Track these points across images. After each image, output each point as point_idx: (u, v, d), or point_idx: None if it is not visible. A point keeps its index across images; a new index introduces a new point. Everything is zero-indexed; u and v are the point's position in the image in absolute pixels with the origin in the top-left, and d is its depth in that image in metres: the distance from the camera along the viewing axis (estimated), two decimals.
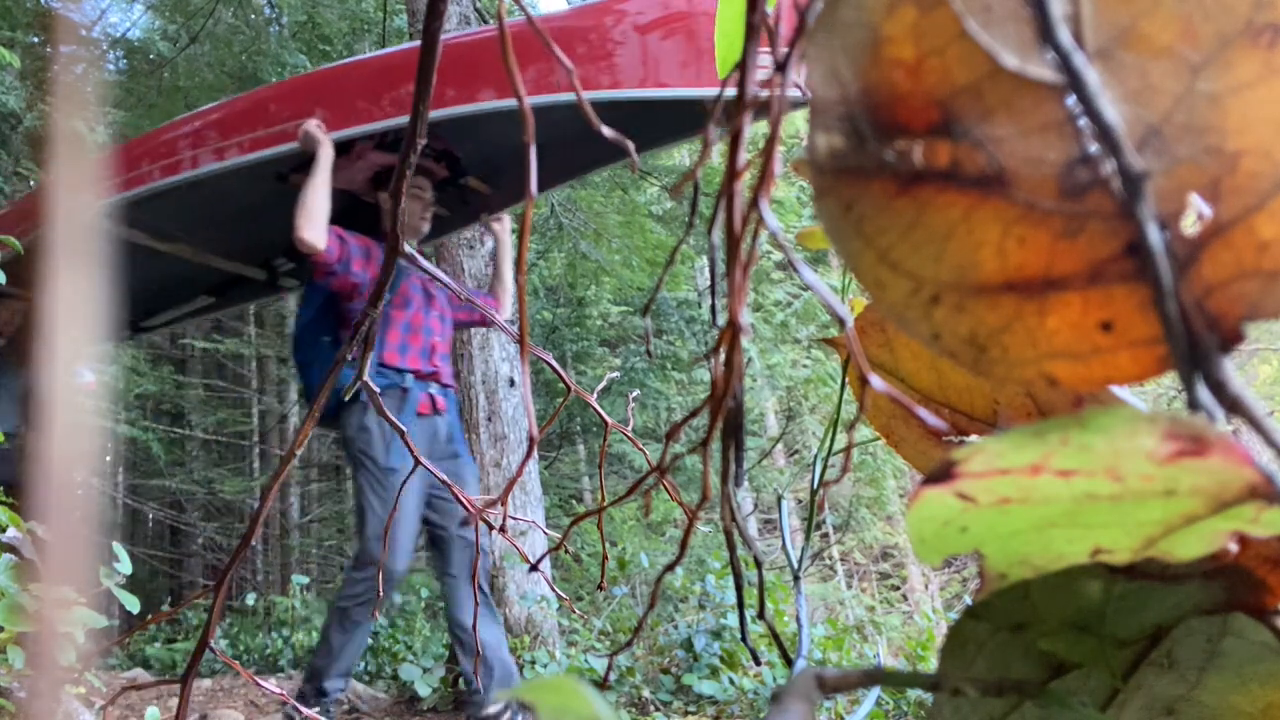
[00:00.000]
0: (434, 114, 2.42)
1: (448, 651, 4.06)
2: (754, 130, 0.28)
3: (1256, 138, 0.21)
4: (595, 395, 0.59)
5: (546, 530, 0.68)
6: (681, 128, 2.81)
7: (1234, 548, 0.22)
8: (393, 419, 0.59)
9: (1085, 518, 0.22)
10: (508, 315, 3.22)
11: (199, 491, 9.47)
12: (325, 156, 2.53)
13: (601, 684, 0.31)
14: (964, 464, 0.21)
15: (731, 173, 0.26)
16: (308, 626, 5.63)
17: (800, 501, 8.45)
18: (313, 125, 2.57)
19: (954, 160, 0.22)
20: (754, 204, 0.26)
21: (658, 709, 3.54)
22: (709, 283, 0.33)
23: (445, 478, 0.60)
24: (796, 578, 0.54)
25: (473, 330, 4.23)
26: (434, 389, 2.74)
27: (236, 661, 0.50)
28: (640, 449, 0.59)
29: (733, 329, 0.26)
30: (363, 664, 4.73)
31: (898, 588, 10.78)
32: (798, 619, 0.51)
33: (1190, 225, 0.21)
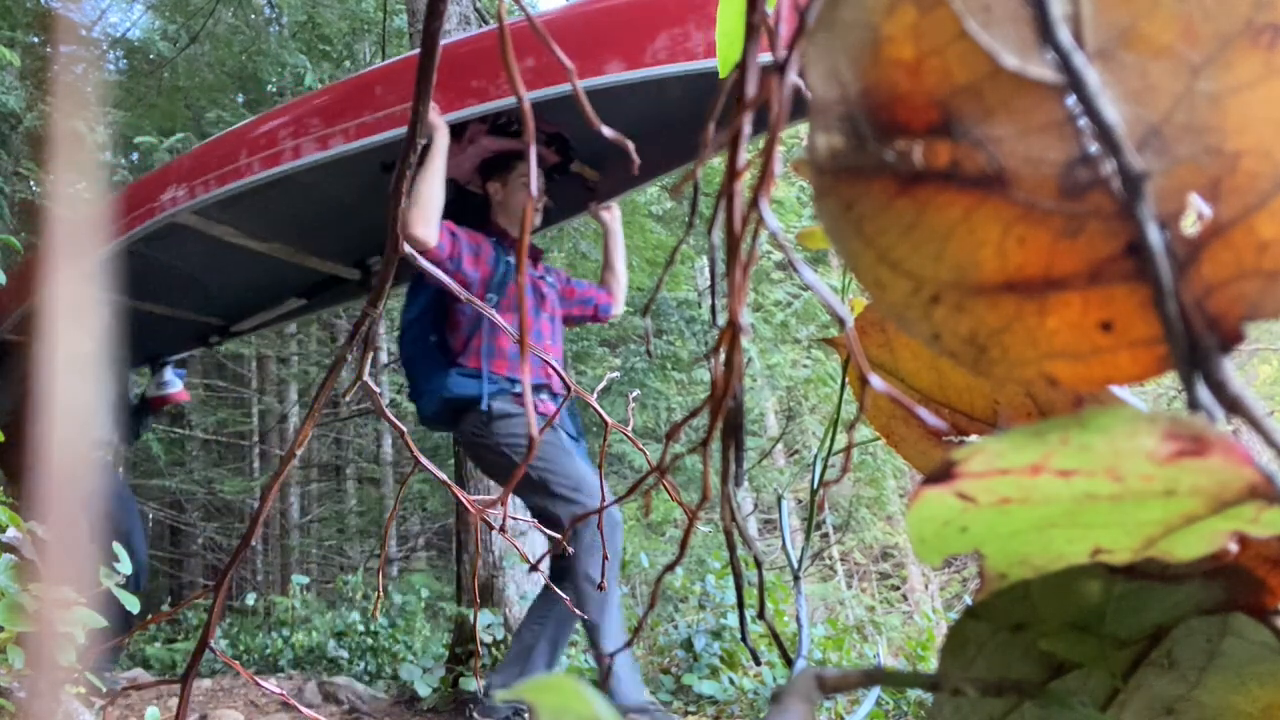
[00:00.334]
0: (541, 93, 2.20)
1: (448, 652, 4.06)
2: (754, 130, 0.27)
3: (1256, 138, 0.21)
4: (595, 395, 0.59)
5: (546, 530, 0.68)
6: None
7: (1234, 548, 0.22)
8: (395, 424, 0.59)
9: (1085, 518, 0.22)
10: (621, 309, 2.95)
11: (199, 491, 9.48)
12: (441, 142, 2.32)
13: (602, 684, 0.31)
14: (964, 464, 0.21)
15: (731, 173, 0.26)
16: (308, 627, 5.63)
17: (800, 501, 8.45)
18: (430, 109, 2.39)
19: (954, 160, 0.22)
20: (754, 204, 0.26)
21: (657, 709, 3.54)
22: (709, 283, 0.33)
23: (443, 476, 0.60)
24: (796, 578, 0.54)
25: None
26: (545, 398, 2.55)
27: (236, 661, 0.50)
28: (640, 449, 0.59)
29: (733, 329, 0.26)
30: (362, 664, 4.73)
31: (898, 588, 10.78)
32: (798, 619, 0.51)
33: (1190, 225, 0.21)
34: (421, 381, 2.57)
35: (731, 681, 3.51)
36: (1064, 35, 0.21)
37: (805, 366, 7.81)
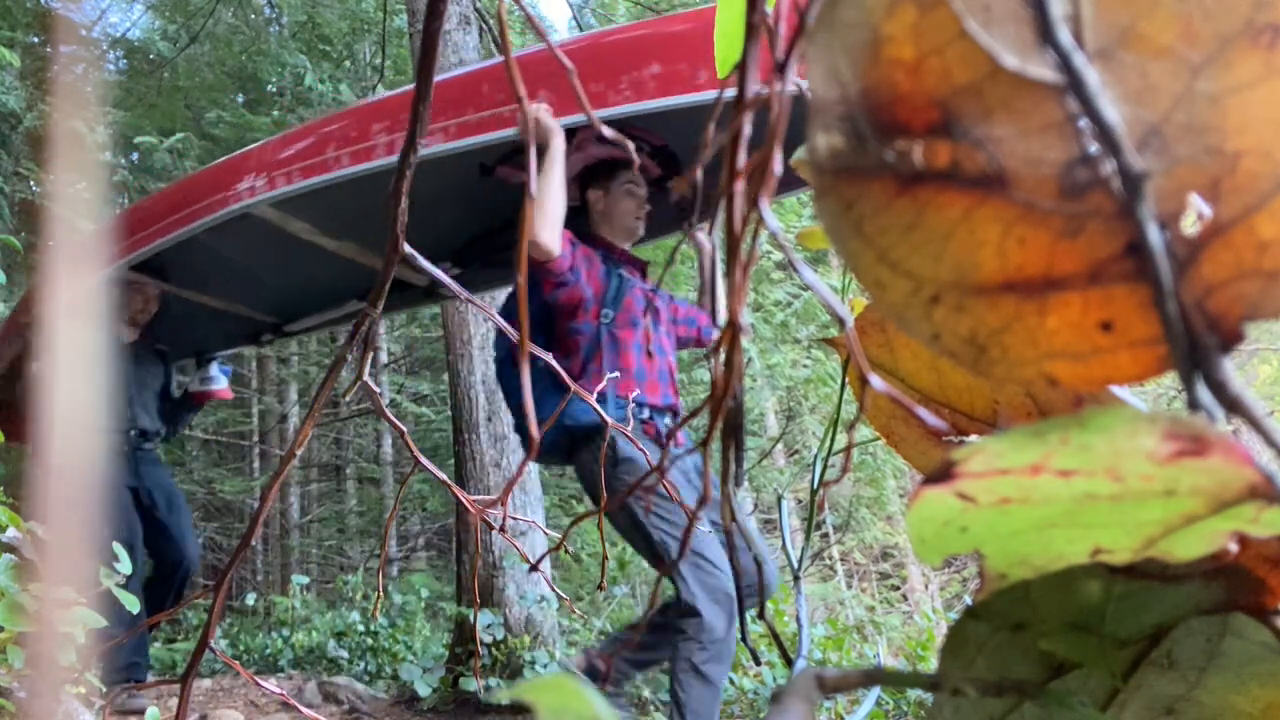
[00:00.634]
0: (639, 106, 2.15)
1: (448, 651, 4.06)
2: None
3: (1256, 138, 0.21)
4: (595, 395, 0.59)
5: (546, 530, 0.68)
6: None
7: (1234, 548, 0.22)
8: (395, 424, 0.59)
9: (1085, 518, 0.22)
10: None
11: (199, 491, 9.47)
12: (559, 147, 2.17)
13: (602, 684, 0.31)
14: (964, 464, 0.21)
15: (731, 173, 0.26)
16: (308, 627, 5.63)
17: (800, 501, 8.45)
18: (543, 110, 2.19)
19: (954, 160, 0.22)
20: (754, 204, 0.26)
21: (658, 709, 3.54)
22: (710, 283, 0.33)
23: (443, 476, 0.60)
24: (796, 578, 0.54)
25: (473, 330, 4.22)
26: (669, 421, 2.30)
27: (236, 661, 0.50)
28: (640, 449, 0.60)
29: (733, 329, 0.27)
30: (362, 664, 4.73)
31: (898, 588, 10.78)
32: (798, 619, 0.51)
33: (1190, 225, 0.21)
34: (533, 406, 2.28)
35: (731, 681, 3.51)
36: (1064, 35, 0.21)
37: (805, 366, 7.81)
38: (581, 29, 7.69)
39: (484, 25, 4.94)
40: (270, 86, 9.09)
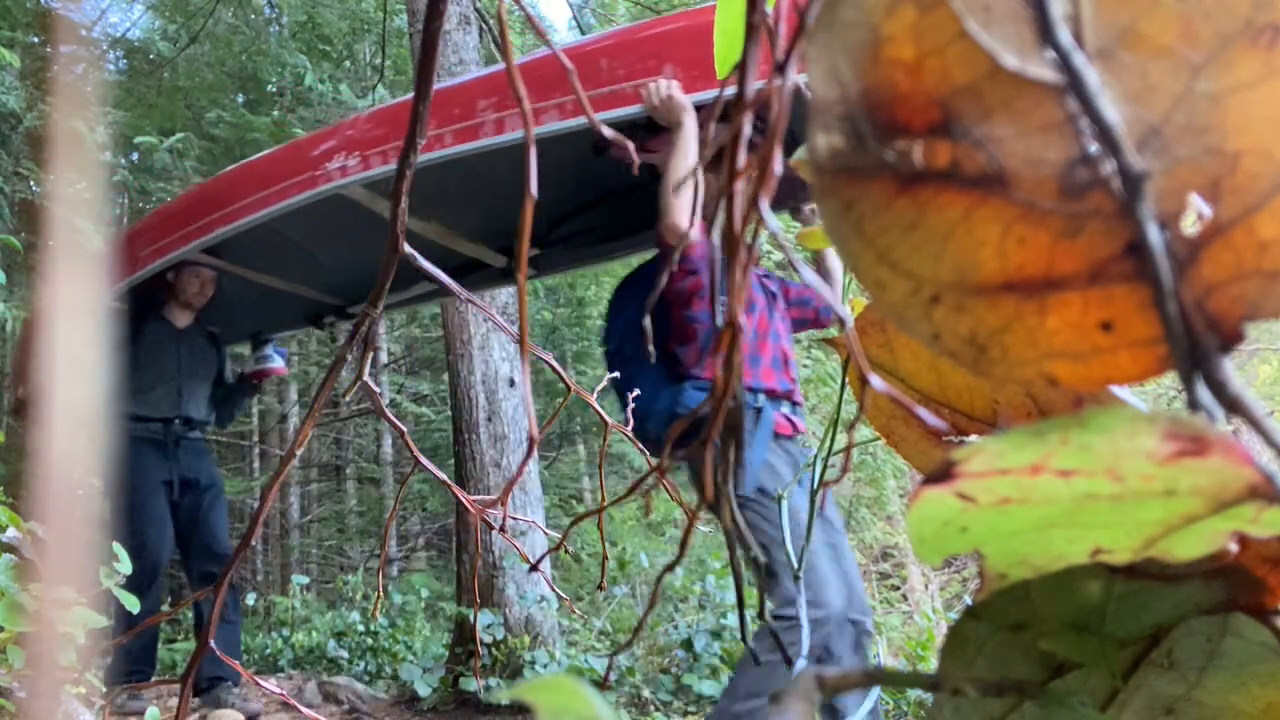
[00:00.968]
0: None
1: (448, 652, 4.06)
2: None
3: (1256, 138, 0.21)
4: (595, 395, 0.59)
5: (546, 530, 0.68)
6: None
7: (1234, 548, 0.22)
8: (395, 424, 0.59)
9: (1085, 518, 0.22)
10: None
11: None
12: (691, 126, 2.02)
13: (601, 684, 0.31)
14: (964, 464, 0.21)
15: (731, 173, 0.26)
16: (307, 627, 5.63)
17: None
18: (675, 88, 2.05)
19: (954, 160, 0.22)
20: (754, 204, 0.26)
21: (658, 709, 3.54)
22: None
23: (443, 476, 0.60)
24: (796, 578, 0.54)
25: (473, 329, 4.22)
26: (786, 409, 2.19)
27: (237, 661, 0.50)
28: (640, 449, 0.60)
29: (733, 329, 0.26)
30: (362, 664, 4.73)
31: (898, 588, 10.78)
32: (798, 619, 0.51)
33: (1190, 225, 0.21)
34: (645, 399, 2.16)
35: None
36: (1064, 35, 0.21)
37: (805, 366, 7.81)
38: (581, 29, 7.69)
39: (484, 25, 4.94)
40: (270, 86, 9.09)
